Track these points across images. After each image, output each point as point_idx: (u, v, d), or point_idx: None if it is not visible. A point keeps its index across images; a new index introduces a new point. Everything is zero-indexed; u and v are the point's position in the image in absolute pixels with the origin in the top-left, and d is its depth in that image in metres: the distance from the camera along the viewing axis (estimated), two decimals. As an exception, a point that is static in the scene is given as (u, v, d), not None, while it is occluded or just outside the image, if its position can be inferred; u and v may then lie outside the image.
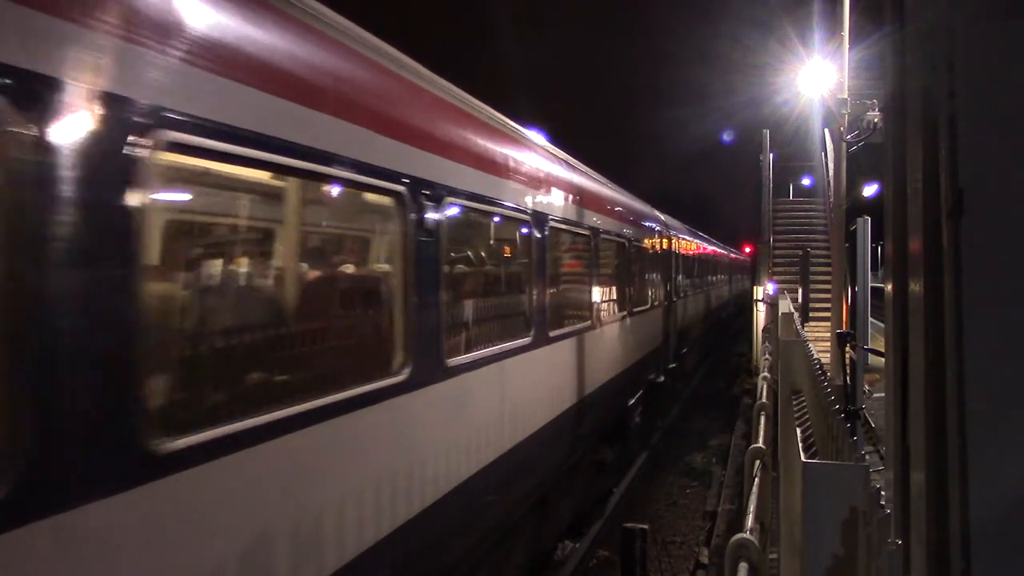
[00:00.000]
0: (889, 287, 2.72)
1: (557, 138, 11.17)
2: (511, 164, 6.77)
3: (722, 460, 15.22)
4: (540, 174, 7.67)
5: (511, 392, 6.40)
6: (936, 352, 2.22)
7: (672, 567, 10.31)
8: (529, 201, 7.18)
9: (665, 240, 16.40)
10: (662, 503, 13.23)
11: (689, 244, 21.24)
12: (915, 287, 2.38)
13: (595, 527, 10.65)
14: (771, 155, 26.24)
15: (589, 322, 9.41)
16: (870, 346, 12.38)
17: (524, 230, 7.18)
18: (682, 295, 18.75)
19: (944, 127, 2.16)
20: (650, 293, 14.33)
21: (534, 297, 7.29)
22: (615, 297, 11.21)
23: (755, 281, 25.99)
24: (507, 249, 7.29)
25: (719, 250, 34.06)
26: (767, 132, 26.48)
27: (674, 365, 17.15)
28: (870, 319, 13.29)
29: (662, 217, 17.00)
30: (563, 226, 8.40)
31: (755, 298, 23.86)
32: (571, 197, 8.86)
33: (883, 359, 3.70)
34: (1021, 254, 2.10)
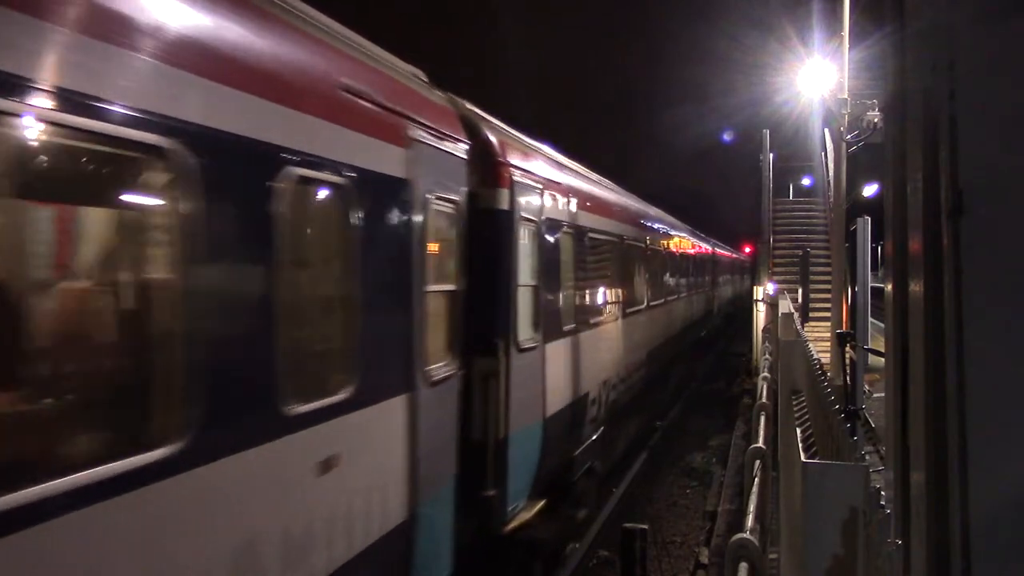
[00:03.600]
0: (889, 287, 2.72)
1: (556, 139, 11.02)
2: None
3: (722, 460, 15.22)
4: None
5: None
6: (936, 352, 2.22)
7: (672, 567, 10.32)
8: None
9: (533, 213, 7.27)
10: (662, 503, 13.24)
11: (621, 224, 12.06)
12: (915, 287, 2.38)
13: (595, 527, 10.66)
14: (771, 155, 26.32)
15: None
16: (870, 346, 12.40)
17: None
18: (597, 321, 10.33)
19: (944, 127, 2.16)
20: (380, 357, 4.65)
21: None
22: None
23: (755, 281, 25.99)
24: None
25: (697, 242, 23.46)
26: (767, 132, 26.59)
27: (541, 504, 7.59)
28: (870, 319, 13.30)
29: (528, 165, 7.32)
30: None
31: (755, 298, 23.90)
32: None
33: (883, 359, 3.70)
34: (1021, 254, 2.10)
